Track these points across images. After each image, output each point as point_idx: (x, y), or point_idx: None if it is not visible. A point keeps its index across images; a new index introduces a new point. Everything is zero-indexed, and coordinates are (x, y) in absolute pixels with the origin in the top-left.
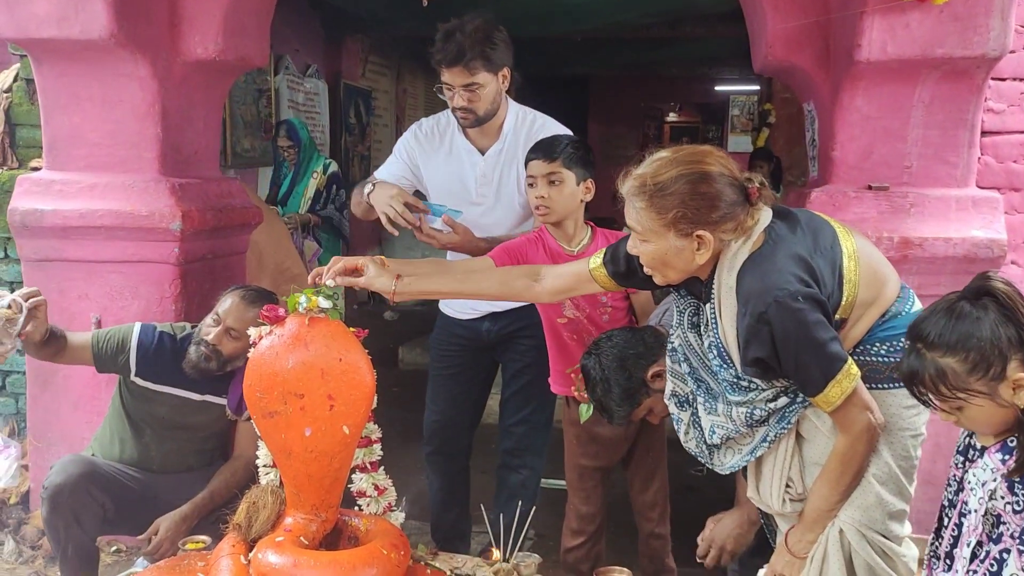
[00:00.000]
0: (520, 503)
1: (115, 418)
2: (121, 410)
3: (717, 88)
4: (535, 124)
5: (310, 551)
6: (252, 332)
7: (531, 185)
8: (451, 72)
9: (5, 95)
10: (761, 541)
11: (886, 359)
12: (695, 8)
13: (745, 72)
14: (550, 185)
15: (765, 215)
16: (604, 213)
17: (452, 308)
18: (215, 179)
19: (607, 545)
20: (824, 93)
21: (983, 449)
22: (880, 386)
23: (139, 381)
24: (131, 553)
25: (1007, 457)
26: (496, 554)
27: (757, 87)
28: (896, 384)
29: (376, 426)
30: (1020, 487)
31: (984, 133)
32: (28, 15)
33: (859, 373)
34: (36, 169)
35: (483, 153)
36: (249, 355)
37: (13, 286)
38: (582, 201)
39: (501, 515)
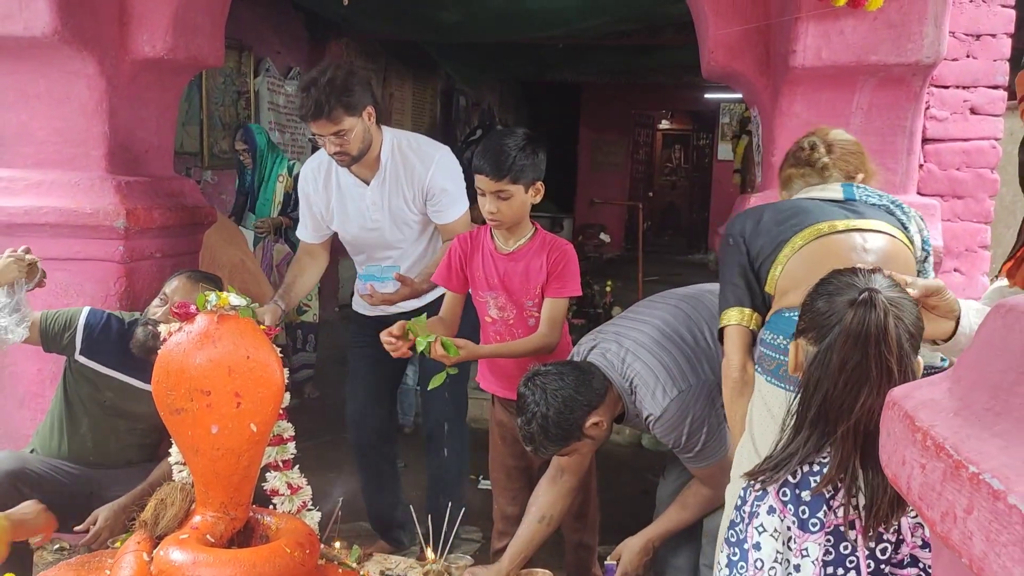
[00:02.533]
0: (448, 501)
1: (56, 408)
2: (62, 397)
3: (707, 96)
4: (410, 148)
5: (212, 549)
6: (163, 329)
7: (481, 195)
8: (316, 124)
9: None
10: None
11: (769, 352)
12: (669, 16)
13: None
14: (499, 200)
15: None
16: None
17: (363, 307)
18: (166, 178)
19: (540, 549)
20: (765, 99)
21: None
22: (767, 378)
23: (83, 360)
24: (74, 552)
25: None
26: (429, 555)
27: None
28: (780, 384)
29: (289, 424)
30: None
31: (926, 140)
32: None
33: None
34: None
35: (367, 183)
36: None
37: None
38: (531, 203)
39: (429, 515)
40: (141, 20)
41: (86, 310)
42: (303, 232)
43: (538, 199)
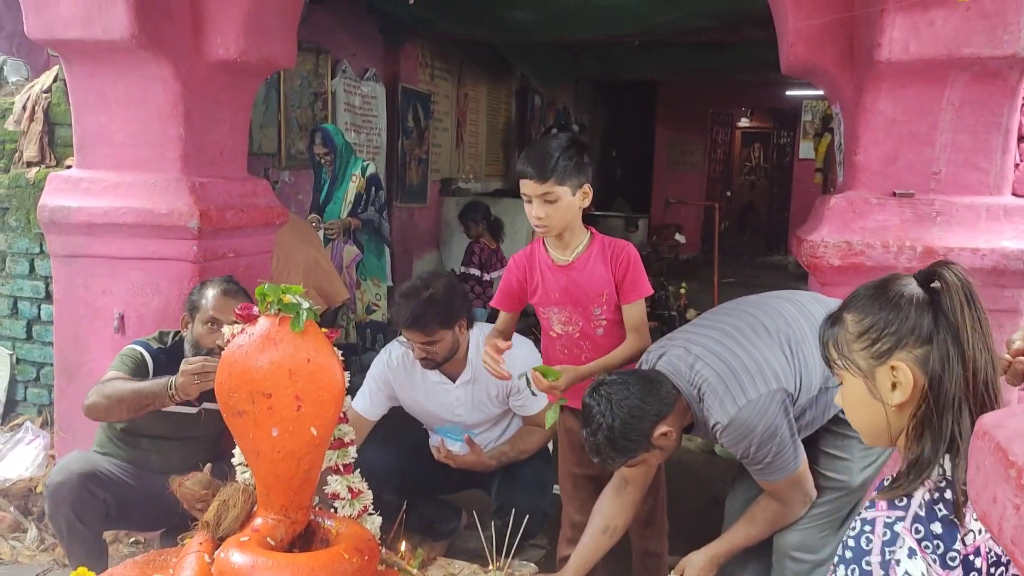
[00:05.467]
0: (514, 510)
1: (111, 429)
2: (119, 428)
3: (788, 93)
4: None
5: (271, 552)
6: (226, 331)
7: (527, 201)
8: (409, 332)
9: (45, 95)
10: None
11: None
12: (748, 10)
13: None
14: (545, 204)
15: None
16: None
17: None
18: (239, 179)
19: (607, 556)
20: (848, 95)
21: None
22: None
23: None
24: (149, 546)
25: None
26: (492, 565)
27: None
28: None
29: (350, 427)
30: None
31: (1023, 138)
32: (54, 16)
33: None
34: (71, 167)
35: (453, 380)
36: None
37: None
38: (580, 207)
39: (493, 522)
40: (214, 23)
41: (141, 350)
42: (361, 404)
43: (586, 202)
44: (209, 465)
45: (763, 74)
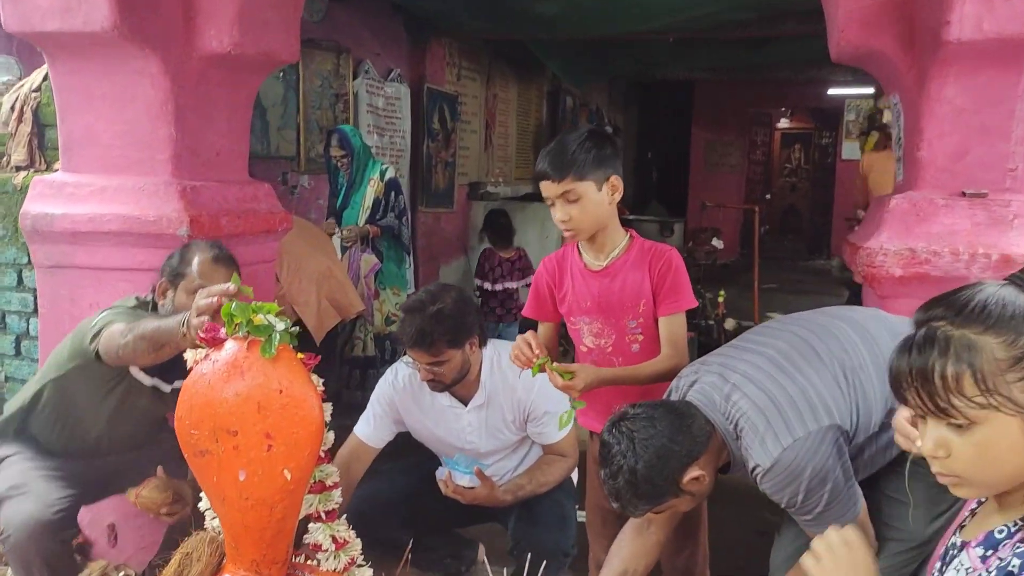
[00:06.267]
0: (531, 551)
1: (53, 400)
2: (62, 391)
3: (830, 92)
4: (510, 367)
5: None
6: (188, 356)
7: (550, 204)
8: (414, 352)
9: (34, 95)
10: None
11: None
12: (789, 3)
13: (861, 73)
14: (568, 204)
15: None
16: (693, 224)
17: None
18: (238, 182)
19: None
20: (909, 82)
21: (962, 545)
22: None
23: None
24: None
25: (990, 553)
26: None
27: (872, 89)
28: None
29: (334, 468)
30: None
31: None
32: (31, 7)
33: None
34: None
35: (465, 404)
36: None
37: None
38: (611, 204)
39: (505, 568)
40: (206, 13)
41: (108, 314)
42: (364, 429)
43: (617, 196)
44: (160, 468)
45: (804, 72)
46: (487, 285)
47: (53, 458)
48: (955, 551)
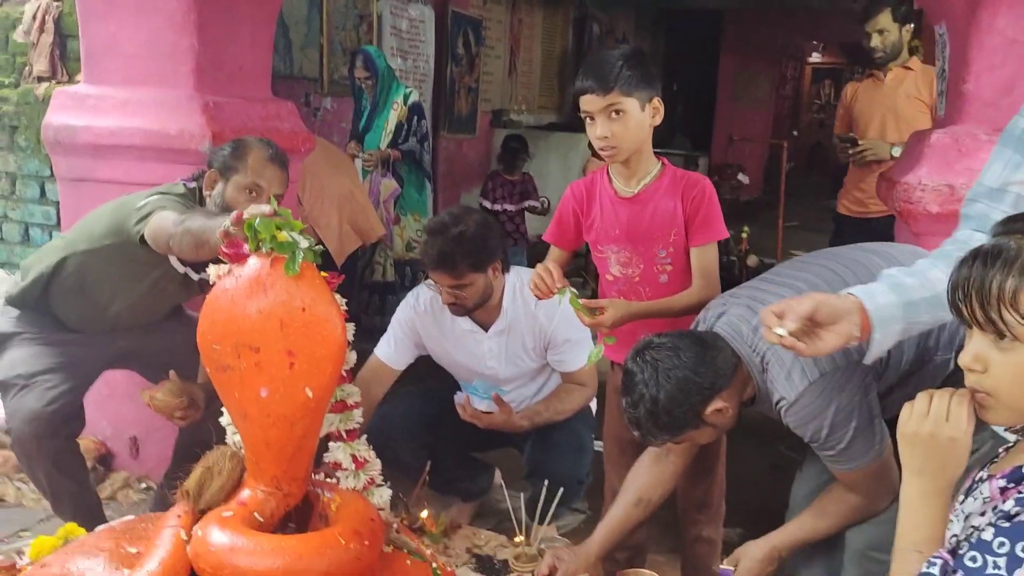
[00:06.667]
0: (557, 484)
1: (73, 274)
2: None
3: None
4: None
5: (255, 533)
6: (211, 271)
7: (590, 121)
8: (435, 274)
9: (56, 4)
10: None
11: None
12: None
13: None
14: (611, 120)
15: None
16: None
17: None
18: (261, 99)
19: (655, 535)
20: (957, 11)
21: (988, 478)
22: None
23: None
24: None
25: (1011, 486)
26: (519, 536)
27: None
28: None
29: (355, 388)
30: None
31: None
32: None
33: None
34: None
35: (486, 330)
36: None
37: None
38: (651, 126)
39: (523, 493)
40: None
41: (158, 199)
42: (385, 351)
43: (657, 120)
44: (173, 372)
45: (839, 3)
46: (486, 204)
47: (62, 340)
48: (979, 483)
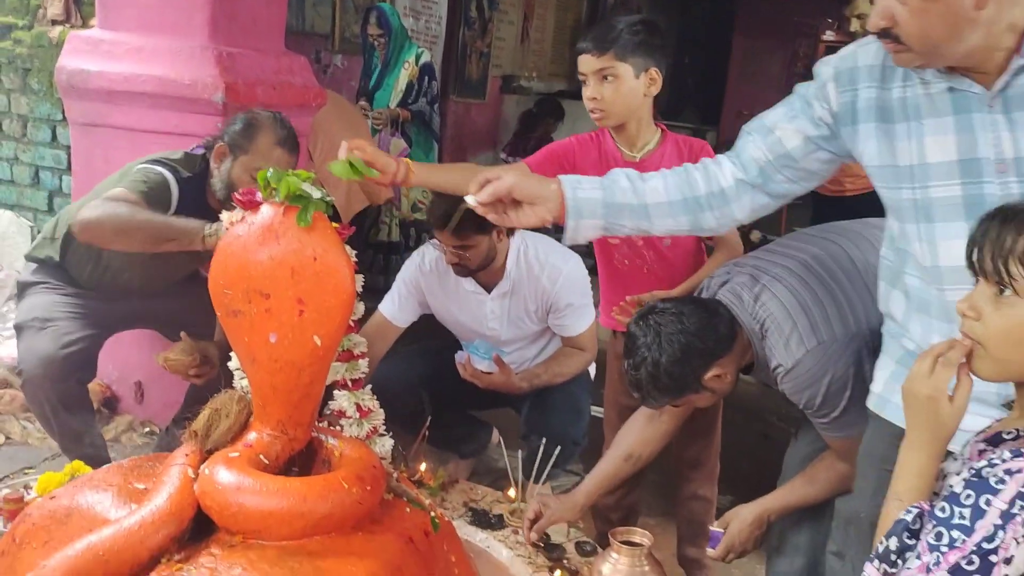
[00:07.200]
0: (555, 443)
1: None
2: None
3: None
4: (536, 259)
5: (261, 474)
6: (224, 217)
7: (584, 82)
8: (441, 234)
9: None
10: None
11: None
12: None
13: None
14: (603, 82)
15: None
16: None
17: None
18: (275, 53)
19: (647, 494)
20: None
21: (976, 443)
22: None
23: None
24: (169, 436)
25: (988, 449)
26: (513, 492)
27: None
28: None
29: (362, 339)
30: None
31: None
32: None
33: None
34: None
35: (488, 291)
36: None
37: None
38: (646, 96)
39: (520, 451)
40: None
41: (164, 173)
42: (389, 308)
43: (653, 90)
44: (184, 333)
45: None
46: (503, 155)
47: (79, 294)
48: (968, 447)
